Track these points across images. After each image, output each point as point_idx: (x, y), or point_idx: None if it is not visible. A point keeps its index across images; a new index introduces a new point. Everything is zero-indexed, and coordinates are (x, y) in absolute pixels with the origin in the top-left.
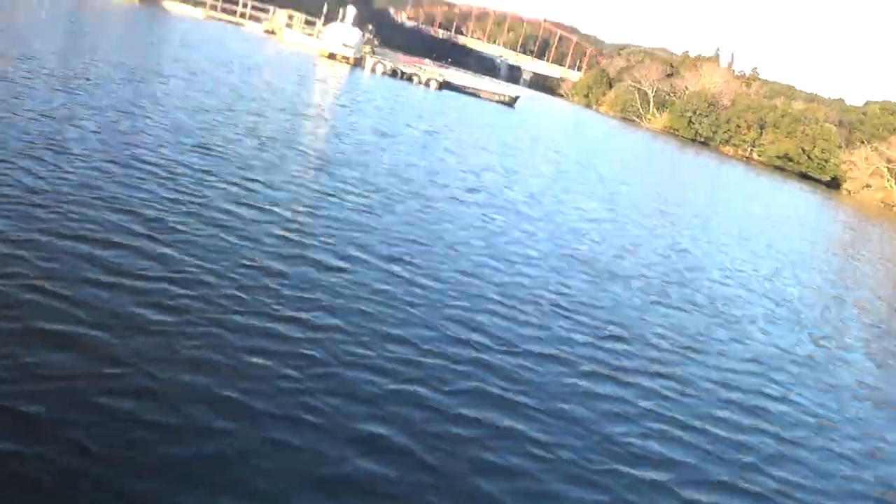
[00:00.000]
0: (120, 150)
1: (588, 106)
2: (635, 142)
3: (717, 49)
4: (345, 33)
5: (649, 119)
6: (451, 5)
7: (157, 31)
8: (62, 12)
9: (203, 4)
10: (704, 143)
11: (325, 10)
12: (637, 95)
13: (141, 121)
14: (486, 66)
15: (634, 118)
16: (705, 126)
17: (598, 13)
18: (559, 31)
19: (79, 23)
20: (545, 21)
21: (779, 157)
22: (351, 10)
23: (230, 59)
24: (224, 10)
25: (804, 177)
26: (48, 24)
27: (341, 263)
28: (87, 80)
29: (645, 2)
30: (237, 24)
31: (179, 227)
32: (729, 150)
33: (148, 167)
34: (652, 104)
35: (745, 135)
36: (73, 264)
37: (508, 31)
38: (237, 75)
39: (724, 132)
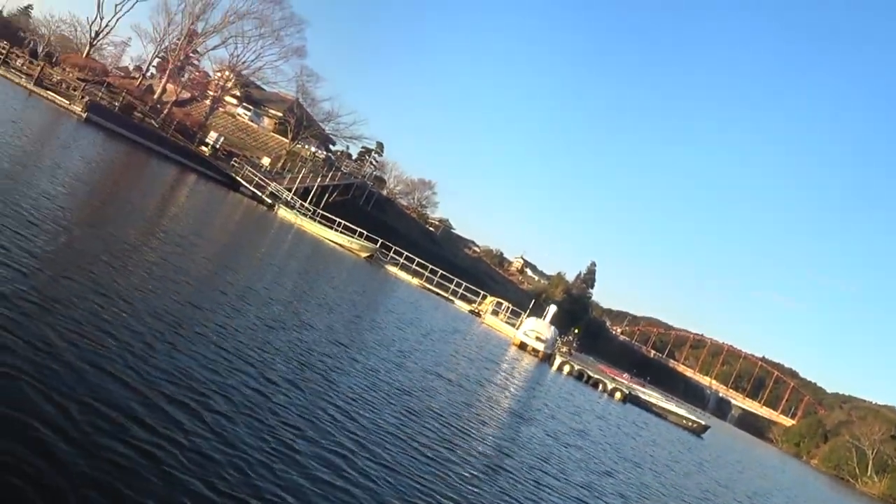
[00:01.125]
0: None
1: (797, 456)
2: None
3: None
4: (540, 328)
5: (865, 482)
6: (667, 328)
7: (383, 287)
8: (305, 249)
9: (420, 276)
10: None
11: (531, 304)
12: (855, 454)
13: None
14: (695, 394)
15: (849, 478)
16: None
17: (821, 359)
18: (776, 373)
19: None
20: (763, 360)
21: None
22: (552, 309)
23: (436, 324)
24: (438, 285)
25: None
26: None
27: None
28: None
29: (871, 354)
30: (447, 299)
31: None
32: None
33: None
34: (871, 466)
35: None
36: None
37: (723, 364)
38: (437, 340)
39: None
